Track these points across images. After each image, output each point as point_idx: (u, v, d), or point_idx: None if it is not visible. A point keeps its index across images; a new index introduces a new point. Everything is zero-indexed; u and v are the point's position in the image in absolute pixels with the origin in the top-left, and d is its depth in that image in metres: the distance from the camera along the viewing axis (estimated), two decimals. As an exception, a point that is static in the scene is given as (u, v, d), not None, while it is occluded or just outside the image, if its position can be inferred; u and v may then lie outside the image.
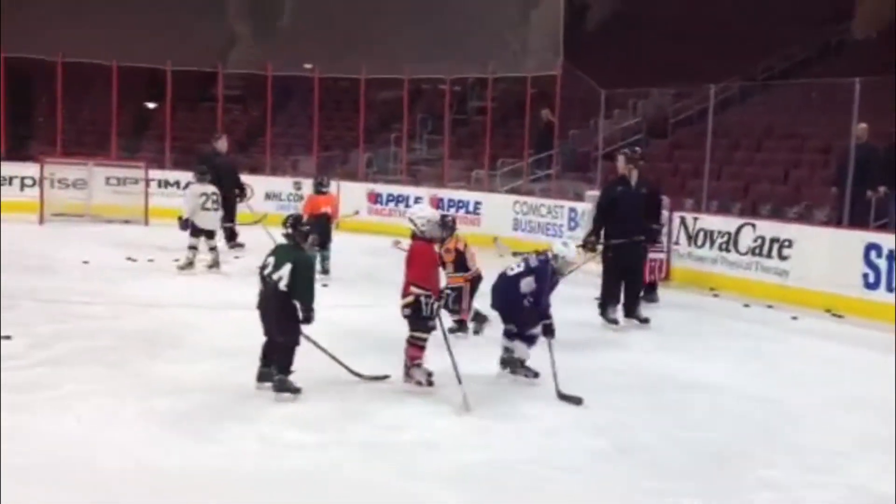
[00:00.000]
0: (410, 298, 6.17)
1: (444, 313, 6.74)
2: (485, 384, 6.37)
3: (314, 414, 5.68)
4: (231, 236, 12.74)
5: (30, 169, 16.43)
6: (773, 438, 5.67)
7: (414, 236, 6.40)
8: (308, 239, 6.25)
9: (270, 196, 16.07)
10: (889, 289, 9.30)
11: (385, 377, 6.40)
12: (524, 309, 6.51)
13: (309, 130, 19.04)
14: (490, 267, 7.48)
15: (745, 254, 10.87)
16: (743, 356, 7.87)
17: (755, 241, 10.80)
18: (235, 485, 4.59)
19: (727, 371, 7.25)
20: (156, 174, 16.74)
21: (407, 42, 18.16)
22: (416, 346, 6.24)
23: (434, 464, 4.97)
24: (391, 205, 16.30)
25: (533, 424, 5.72)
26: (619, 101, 16.97)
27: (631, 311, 8.86)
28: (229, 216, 12.57)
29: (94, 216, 15.75)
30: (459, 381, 5.90)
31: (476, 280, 7.89)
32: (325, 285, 9.66)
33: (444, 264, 7.56)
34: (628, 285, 8.87)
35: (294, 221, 6.23)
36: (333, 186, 12.34)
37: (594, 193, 11.45)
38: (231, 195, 12.59)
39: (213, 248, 10.97)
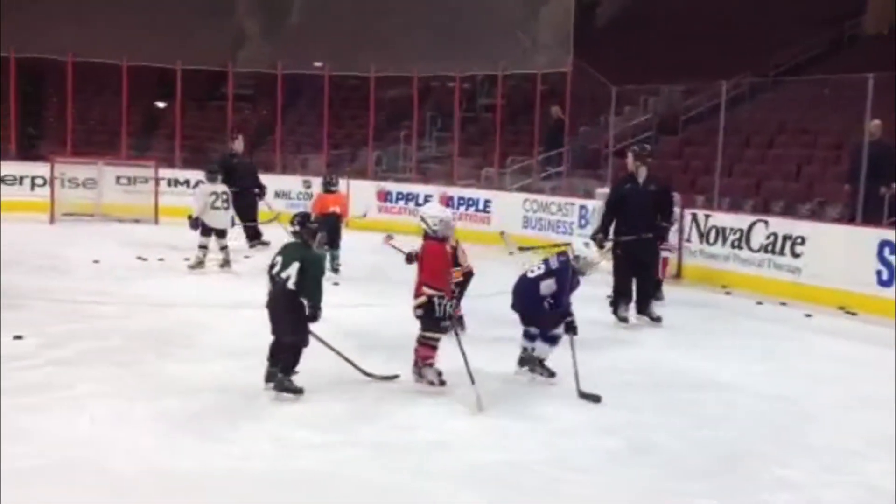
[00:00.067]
0: (423, 299, 6.14)
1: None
2: (498, 384, 6.35)
3: (326, 414, 5.66)
4: (255, 235, 12.75)
5: (40, 168, 16.49)
6: (787, 437, 5.64)
7: (426, 236, 6.36)
8: (316, 237, 6.22)
9: (280, 195, 16.05)
10: (902, 286, 9.24)
11: (395, 377, 6.37)
12: (545, 311, 6.48)
13: (318, 129, 19.07)
14: (497, 262, 7.45)
15: (758, 251, 10.82)
16: (756, 354, 7.83)
17: (767, 238, 10.74)
18: (247, 485, 4.57)
19: (740, 369, 7.21)
20: (166, 173, 16.83)
21: (416, 40, 18.09)
22: (428, 346, 6.21)
23: (447, 464, 4.94)
24: (401, 203, 16.32)
25: (547, 424, 5.69)
26: (630, 98, 16.82)
27: (643, 309, 8.83)
28: (251, 216, 12.60)
29: (105, 215, 15.83)
30: (472, 381, 5.87)
31: (467, 277, 7.84)
32: (336, 284, 9.67)
33: None
34: (640, 283, 8.84)
35: (302, 220, 6.21)
36: (343, 185, 12.33)
37: (605, 191, 11.40)
38: (251, 195, 12.62)
39: (223, 248, 10.97)
